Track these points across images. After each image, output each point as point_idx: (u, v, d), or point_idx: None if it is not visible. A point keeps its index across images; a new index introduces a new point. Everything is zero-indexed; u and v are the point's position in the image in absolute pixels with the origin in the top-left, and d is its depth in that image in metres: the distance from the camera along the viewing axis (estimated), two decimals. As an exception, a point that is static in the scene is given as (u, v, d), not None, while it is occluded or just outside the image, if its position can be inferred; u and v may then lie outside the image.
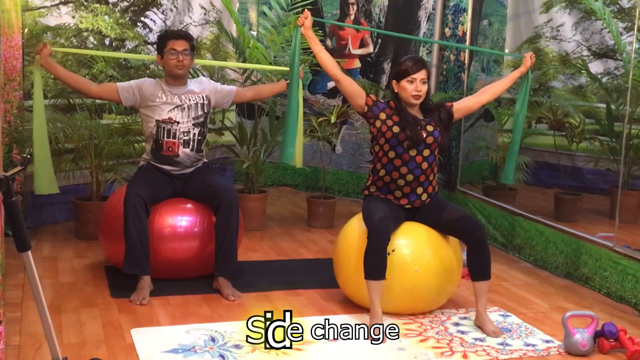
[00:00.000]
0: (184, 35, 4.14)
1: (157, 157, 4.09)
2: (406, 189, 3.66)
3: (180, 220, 4.03)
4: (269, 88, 4.57)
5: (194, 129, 4.09)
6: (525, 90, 4.03)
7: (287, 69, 4.82)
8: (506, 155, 4.27)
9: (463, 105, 3.87)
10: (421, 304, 3.71)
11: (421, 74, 3.61)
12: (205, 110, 4.16)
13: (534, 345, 3.41)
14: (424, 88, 3.63)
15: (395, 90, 3.68)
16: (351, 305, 3.81)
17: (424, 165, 3.64)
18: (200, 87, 4.18)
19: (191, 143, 4.10)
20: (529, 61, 3.98)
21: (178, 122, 4.06)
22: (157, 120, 4.05)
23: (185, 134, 4.07)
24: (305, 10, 3.77)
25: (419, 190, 3.67)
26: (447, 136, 3.76)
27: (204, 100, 4.15)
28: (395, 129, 3.62)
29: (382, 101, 3.75)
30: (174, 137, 4.06)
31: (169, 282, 4.00)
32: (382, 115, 3.67)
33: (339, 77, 3.71)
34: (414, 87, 3.61)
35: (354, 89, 3.72)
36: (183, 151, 4.08)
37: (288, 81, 4.34)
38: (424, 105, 3.71)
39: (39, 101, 4.02)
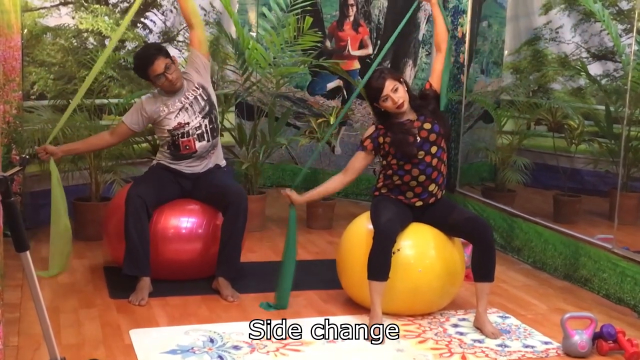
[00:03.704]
0: (155, 53, 3.99)
1: (176, 157, 4.10)
2: (418, 189, 3.66)
3: (184, 221, 4.03)
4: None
5: (203, 121, 4.09)
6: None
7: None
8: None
9: (437, 74, 3.83)
10: (422, 306, 3.71)
11: (389, 86, 3.59)
12: (206, 98, 4.13)
13: (532, 347, 3.41)
14: (399, 94, 3.60)
15: (382, 110, 3.68)
16: (350, 306, 3.81)
17: (434, 161, 3.65)
18: (189, 80, 4.14)
19: (205, 135, 4.10)
20: None
21: (188, 123, 4.05)
22: (169, 130, 4.06)
23: (198, 129, 4.08)
24: (284, 191, 3.77)
25: (431, 187, 3.67)
26: (446, 121, 3.76)
27: (198, 90, 4.12)
28: (392, 150, 3.65)
29: (372, 131, 3.73)
30: (189, 136, 4.06)
31: (168, 283, 3.99)
32: (380, 140, 3.69)
33: (345, 182, 3.79)
34: (391, 102, 3.61)
35: (357, 167, 3.76)
36: (199, 145, 4.08)
37: None
38: (412, 103, 3.70)
39: (58, 197, 4.03)
